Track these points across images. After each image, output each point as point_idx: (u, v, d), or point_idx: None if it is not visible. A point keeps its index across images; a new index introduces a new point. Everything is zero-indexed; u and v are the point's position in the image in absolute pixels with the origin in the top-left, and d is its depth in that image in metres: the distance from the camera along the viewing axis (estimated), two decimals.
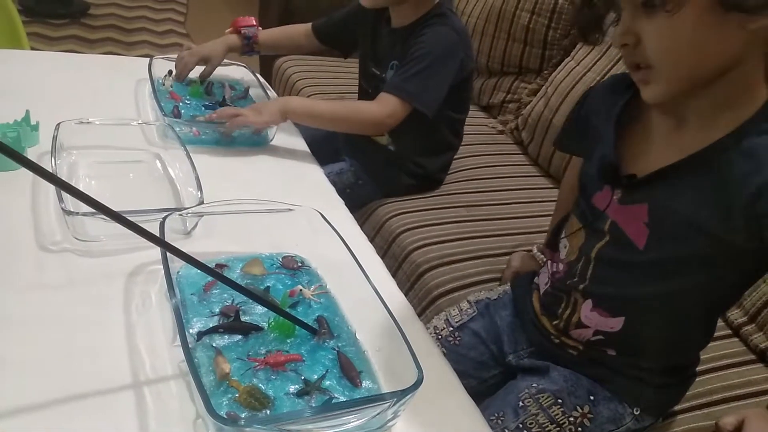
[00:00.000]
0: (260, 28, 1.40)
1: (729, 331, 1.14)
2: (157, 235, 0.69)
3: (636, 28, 0.66)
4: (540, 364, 0.87)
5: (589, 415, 0.82)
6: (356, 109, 1.27)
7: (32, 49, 1.95)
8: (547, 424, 0.82)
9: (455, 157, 1.49)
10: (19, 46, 1.73)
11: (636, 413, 0.83)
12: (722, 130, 0.67)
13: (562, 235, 0.88)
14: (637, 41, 0.66)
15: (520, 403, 0.84)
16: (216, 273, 0.64)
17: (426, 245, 1.27)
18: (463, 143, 1.47)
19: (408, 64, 1.22)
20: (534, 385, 0.84)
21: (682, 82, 0.68)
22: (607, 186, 0.79)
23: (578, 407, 0.82)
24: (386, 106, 1.22)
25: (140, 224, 0.76)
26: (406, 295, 0.87)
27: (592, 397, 0.82)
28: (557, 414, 0.82)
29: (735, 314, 1.14)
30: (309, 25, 1.45)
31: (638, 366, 0.82)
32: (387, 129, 1.30)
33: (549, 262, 0.91)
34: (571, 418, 0.82)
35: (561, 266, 0.86)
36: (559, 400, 0.82)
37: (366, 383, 0.65)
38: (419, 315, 0.95)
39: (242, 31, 1.37)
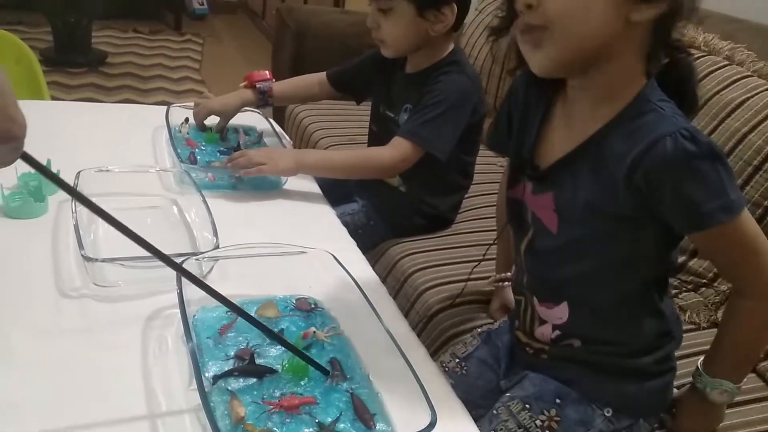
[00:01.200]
0: (274, 80, 1.43)
1: None
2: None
3: None
4: (519, 377, 0.90)
5: (556, 418, 0.83)
6: (369, 156, 1.30)
7: (52, 97, 2.02)
8: (515, 429, 0.84)
9: (465, 196, 1.51)
10: (40, 96, 1.79)
11: (607, 414, 0.84)
12: (605, 119, 0.75)
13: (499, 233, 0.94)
14: (539, 3, 0.70)
15: (494, 412, 0.87)
16: (234, 305, 0.66)
17: (438, 285, 1.27)
18: (473, 182, 1.49)
19: (423, 109, 1.25)
20: (507, 394, 0.88)
21: (568, 52, 0.72)
22: (522, 178, 0.85)
23: (545, 411, 0.84)
24: (399, 151, 1.25)
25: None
26: (419, 335, 0.88)
27: (558, 401, 0.84)
28: (525, 419, 0.84)
29: None
30: (323, 74, 1.48)
31: (604, 352, 0.83)
32: (399, 172, 1.32)
33: (513, 269, 0.96)
34: (538, 422, 0.83)
35: (514, 268, 0.91)
36: (527, 405, 0.85)
37: (380, 425, 0.65)
38: (432, 355, 0.95)
39: (257, 86, 1.39)
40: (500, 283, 1.15)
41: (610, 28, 0.69)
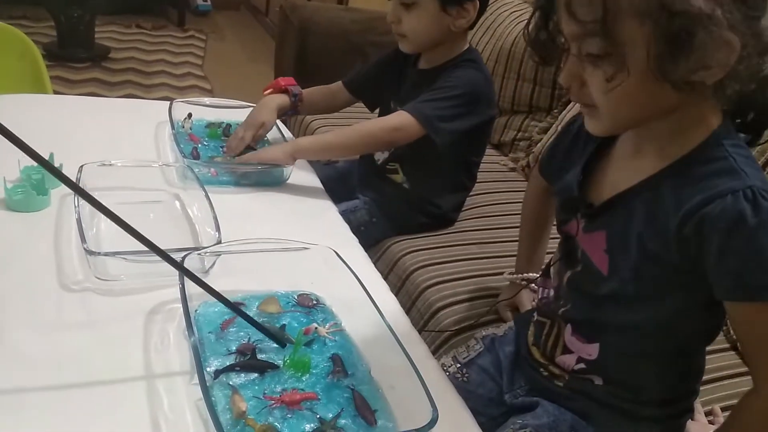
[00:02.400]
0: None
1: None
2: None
3: (581, 72, 0.68)
4: (530, 401, 0.87)
5: None
6: (362, 125, 1.28)
7: (55, 92, 2.02)
8: None
9: (468, 194, 1.51)
10: (43, 91, 1.79)
11: None
12: (670, 159, 0.70)
13: (552, 263, 0.89)
14: (581, 84, 0.69)
15: None
16: (231, 304, 0.66)
17: (439, 283, 1.27)
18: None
19: (431, 92, 1.25)
20: (519, 421, 0.84)
21: (622, 123, 0.72)
22: (573, 216, 0.82)
23: None
24: (397, 119, 1.24)
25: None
26: (420, 332, 0.88)
27: None
28: None
29: None
30: (338, 83, 1.47)
31: (624, 398, 0.81)
32: (393, 142, 1.29)
33: (540, 288, 0.92)
34: None
35: (551, 292, 0.88)
36: None
37: (381, 422, 0.65)
38: (433, 353, 0.95)
39: (289, 89, 1.36)
40: (520, 282, 1.12)
41: (667, 99, 0.66)
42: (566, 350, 0.83)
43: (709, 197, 0.65)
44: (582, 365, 0.82)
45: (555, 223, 0.90)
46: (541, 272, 0.94)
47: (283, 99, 1.35)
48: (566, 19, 0.66)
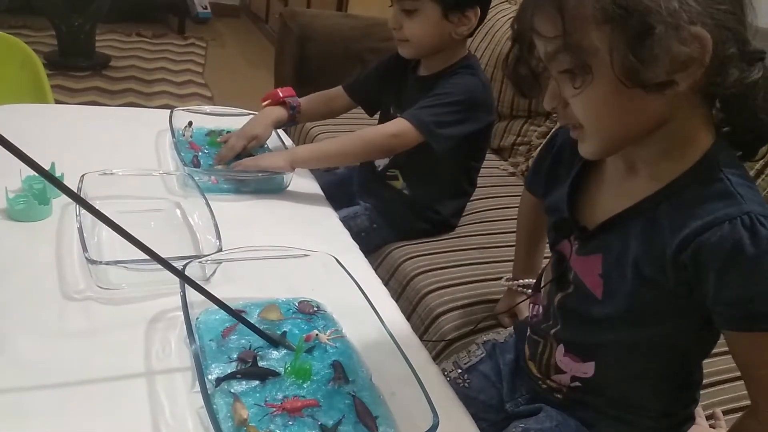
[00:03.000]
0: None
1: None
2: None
3: (561, 92, 0.67)
4: (532, 408, 0.87)
5: None
6: (361, 133, 1.29)
7: (55, 100, 2.03)
8: None
9: (468, 200, 1.51)
10: (44, 100, 1.80)
11: None
12: (664, 180, 0.68)
13: (542, 283, 0.88)
14: (564, 104, 0.68)
15: None
16: (232, 311, 0.66)
17: (440, 288, 1.27)
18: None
19: (429, 98, 1.26)
20: (521, 425, 0.84)
21: (610, 142, 0.69)
22: (566, 237, 0.80)
23: None
24: (395, 126, 1.24)
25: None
26: (420, 338, 0.88)
27: None
28: None
29: None
30: (338, 88, 1.47)
31: (624, 411, 0.81)
32: (391, 150, 1.30)
33: (531, 305, 0.91)
34: None
35: (540, 310, 0.87)
36: None
37: (382, 428, 0.65)
38: (434, 359, 0.95)
39: (287, 101, 1.36)
40: (517, 288, 1.12)
41: (650, 109, 0.64)
42: (559, 370, 0.83)
43: (706, 224, 0.63)
44: (577, 383, 0.81)
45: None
46: (533, 285, 0.93)
47: (280, 112, 1.35)
48: (536, 39, 0.66)
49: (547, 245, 0.90)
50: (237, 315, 0.69)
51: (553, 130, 1.73)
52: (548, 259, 0.89)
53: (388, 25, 1.30)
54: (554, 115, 1.85)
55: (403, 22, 1.26)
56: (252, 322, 0.77)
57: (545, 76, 0.69)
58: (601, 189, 0.78)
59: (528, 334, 0.90)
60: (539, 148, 0.93)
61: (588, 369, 0.80)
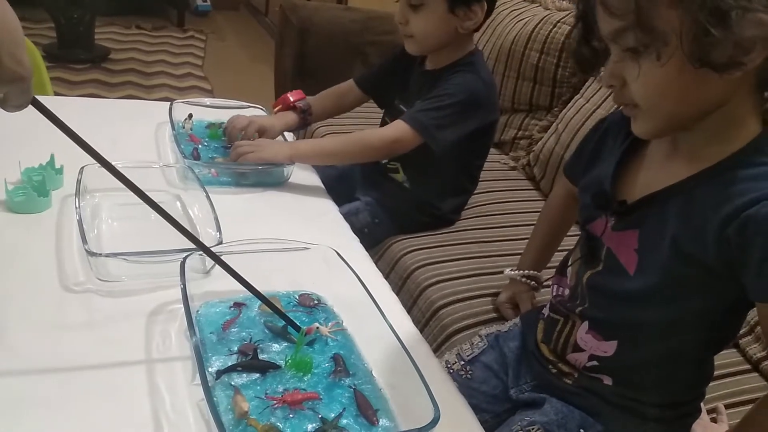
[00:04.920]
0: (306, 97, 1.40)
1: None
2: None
3: (622, 71, 0.68)
4: (537, 397, 0.87)
5: None
6: (362, 136, 1.29)
7: (55, 92, 2.02)
8: None
9: (469, 197, 1.51)
10: (43, 92, 1.79)
11: None
12: (710, 161, 0.70)
13: (569, 263, 0.89)
14: (622, 83, 0.69)
15: None
16: (244, 280, 0.66)
17: (440, 282, 1.27)
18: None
19: (428, 100, 1.26)
20: (527, 417, 0.84)
21: (667, 122, 0.71)
22: (602, 213, 0.81)
23: None
24: (394, 131, 1.25)
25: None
26: (421, 331, 0.88)
27: (582, 430, 0.82)
28: None
29: None
30: (349, 81, 1.47)
31: (632, 398, 0.81)
32: (392, 153, 1.31)
33: (555, 286, 0.92)
34: None
35: (566, 291, 0.88)
36: None
37: (383, 421, 0.65)
38: (435, 351, 0.95)
39: (297, 105, 1.36)
40: (522, 279, 1.12)
41: (710, 91, 0.66)
42: (577, 348, 0.83)
43: (753, 199, 0.64)
44: (594, 362, 0.82)
45: (577, 221, 0.89)
46: (555, 271, 0.93)
47: (291, 118, 1.36)
48: (603, 16, 0.67)
49: (569, 234, 0.91)
50: (255, 290, 0.70)
51: (565, 113, 1.72)
52: (575, 240, 0.89)
53: (395, 20, 1.30)
54: (555, 108, 1.85)
55: (409, 17, 1.26)
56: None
57: (605, 56, 0.70)
58: (642, 168, 0.79)
59: (545, 315, 0.90)
60: (584, 136, 0.93)
61: (609, 348, 0.80)
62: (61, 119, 0.61)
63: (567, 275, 0.89)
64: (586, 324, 0.82)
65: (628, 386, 0.81)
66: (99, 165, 0.96)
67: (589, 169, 0.87)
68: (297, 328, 0.73)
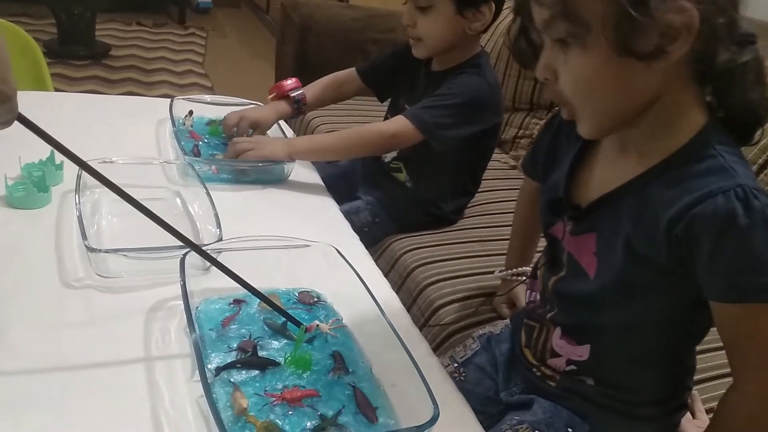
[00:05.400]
0: (302, 86, 1.39)
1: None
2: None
3: (554, 63, 0.68)
4: (526, 399, 0.87)
5: None
6: (360, 130, 1.29)
7: (55, 88, 2.02)
8: None
9: (471, 198, 1.51)
10: (44, 88, 1.79)
11: None
12: (659, 157, 0.69)
13: (539, 267, 0.89)
14: (555, 77, 0.69)
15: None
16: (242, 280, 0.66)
17: (440, 280, 1.27)
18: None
19: (433, 98, 1.25)
20: (516, 417, 0.84)
21: (606, 119, 0.70)
22: (560, 219, 0.80)
23: None
24: (395, 126, 1.24)
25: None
26: (420, 330, 0.88)
27: (570, 429, 0.82)
28: None
29: None
30: (350, 70, 1.46)
31: (616, 398, 0.81)
32: (391, 148, 1.31)
33: (528, 292, 0.91)
34: None
35: (537, 296, 0.87)
36: (536, 431, 0.82)
37: (382, 419, 0.65)
38: (434, 350, 0.95)
39: (291, 95, 1.35)
40: (511, 277, 1.12)
41: (642, 83, 0.65)
42: (555, 354, 0.83)
43: (700, 197, 0.63)
44: (573, 367, 0.82)
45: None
46: (531, 270, 0.94)
47: (284, 107, 1.35)
48: (534, 6, 0.67)
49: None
50: (254, 290, 0.69)
51: (551, 113, 1.72)
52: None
53: (402, 22, 1.29)
54: (556, 107, 1.84)
55: (417, 19, 1.25)
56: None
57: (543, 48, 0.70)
58: (595, 169, 0.79)
59: (524, 320, 0.90)
60: (538, 134, 0.93)
61: (583, 352, 0.80)
62: (47, 132, 0.61)
63: (538, 280, 0.89)
64: (558, 330, 0.82)
65: (609, 386, 0.81)
66: (101, 161, 0.97)
67: (548, 169, 0.86)
68: (298, 324, 0.73)
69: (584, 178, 0.79)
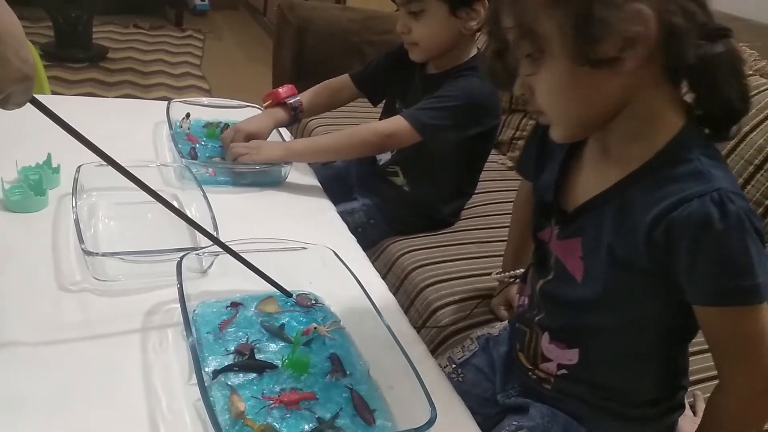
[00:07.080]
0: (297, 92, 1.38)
1: None
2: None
3: (529, 80, 0.70)
4: (522, 402, 0.87)
5: None
6: (356, 130, 1.28)
7: (52, 92, 2.02)
8: None
9: (467, 200, 1.51)
10: (41, 91, 1.79)
11: None
12: (638, 161, 0.69)
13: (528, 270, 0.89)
14: (531, 92, 0.70)
15: None
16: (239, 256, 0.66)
17: (438, 282, 1.27)
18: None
19: (431, 99, 1.25)
20: (514, 422, 0.84)
21: (577, 125, 0.72)
22: (547, 223, 0.81)
23: None
24: (391, 125, 1.24)
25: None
26: (418, 332, 0.88)
27: None
28: None
29: None
30: (344, 76, 1.46)
31: (609, 400, 0.81)
32: (386, 148, 1.30)
33: (518, 296, 0.91)
34: None
35: (526, 300, 0.88)
36: None
37: (379, 421, 0.65)
38: (432, 352, 0.95)
39: (288, 102, 1.34)
40: (507, 279, 1.12)
41: (609, 89, 0.66)
42: (545, 358, 0.83)
43: (676, 202, 0.64)
44: (564, 371, 0.82)
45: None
46: (522, 275, 0.93)
47: (281, 114, 1.34)
48: (505, 29, 0.69)
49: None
50: (248, 263, 0.69)
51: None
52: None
53: (396, 30, 1.29)
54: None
55: (411, 25, 1.25)
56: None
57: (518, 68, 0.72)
58: (581, 173, 0.79)
59: (516, 324, 0.90)
60: (531, 132, 0.94)
61: (572, 356, 0.80)
62: (61, 117, 0.61)
63: (527, 284, 0.89)
64: (547, 335, 0.82)
65: (602, 389, 0.81)
66: (98, 164, 0.97)
67: (539, 169, 0.87)
68: (288, 294, 0.75)
69: (572, 182, 0.80)
